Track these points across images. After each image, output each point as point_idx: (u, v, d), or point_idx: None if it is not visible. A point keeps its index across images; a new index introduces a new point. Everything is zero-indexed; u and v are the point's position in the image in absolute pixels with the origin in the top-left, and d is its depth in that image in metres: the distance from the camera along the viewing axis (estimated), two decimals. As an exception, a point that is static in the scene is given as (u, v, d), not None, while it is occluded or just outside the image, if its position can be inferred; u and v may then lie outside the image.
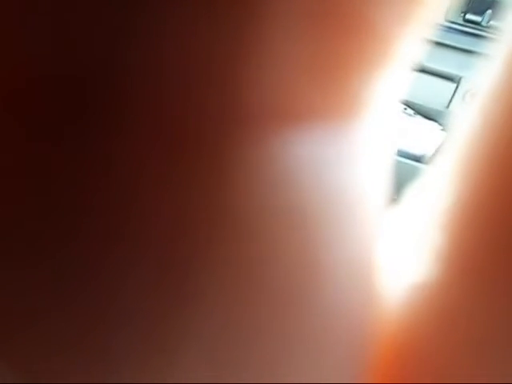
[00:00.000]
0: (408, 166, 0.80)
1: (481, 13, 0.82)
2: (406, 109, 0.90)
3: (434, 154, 0.86)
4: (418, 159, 0.83)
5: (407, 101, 0.89)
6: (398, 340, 0.10)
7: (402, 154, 0.82)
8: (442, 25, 0.83)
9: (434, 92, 0.88)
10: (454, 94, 0.87)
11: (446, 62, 0.85)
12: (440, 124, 0.88)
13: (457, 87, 0.87)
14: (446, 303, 0.10)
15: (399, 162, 0.79)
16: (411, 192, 0.11)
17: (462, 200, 0.10)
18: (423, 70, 0.86)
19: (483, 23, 0.82)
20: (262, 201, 0.08)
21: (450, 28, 0.83)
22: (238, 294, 0.09)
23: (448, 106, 0.89)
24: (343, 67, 0.08)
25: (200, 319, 0.08)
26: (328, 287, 0.09)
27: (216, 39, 0.08)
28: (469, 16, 0.83)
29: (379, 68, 0.09)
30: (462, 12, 0.83)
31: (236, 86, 0.08)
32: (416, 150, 0.84)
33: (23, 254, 0.08)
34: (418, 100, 0.88)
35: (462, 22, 0.83)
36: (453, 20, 0.84)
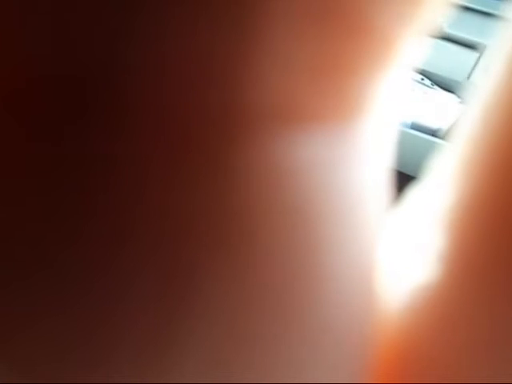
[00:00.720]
0: (423, 141, 0.75)
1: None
2: (423, 79, 0.85)
3: (451, 129, 0.82)
4: (434, 133, 0.78)
5: (424, 70, 0.83)
6: (400, 341, 0.10)
7: (418, 127, 0.77)
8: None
9: (454, 61, 0.82)
10: (476, 64, 0.82)
11: (469, 29, 0.79)
12: (459, 96, 0.83)
13: (480, 56, 0.81)
14: (447, 305, 0.10)
15: (414, 136, 0.74)
16: (413, 193, 0.11)
17: (463, 201, 0.09)
18: (442, 37, 0.80)
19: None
20: (263, 203, 0.08)
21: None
22: (241, 296, 0.09)
23: (469, 77, 0.83)
24: (344, 68, 0.08)
25: (203, 319, 0.08)
26: (330, 289, 0.09)
27: (216, 40, 0.08)
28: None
29: (380, 69, 0.09)
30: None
31: (236, 87, 0.08)
32: (433, 124, 0.79)
33: (25, 256, 0.08)
34: (437, 70, 0.83)
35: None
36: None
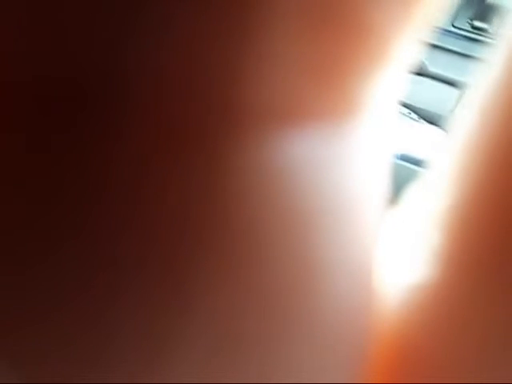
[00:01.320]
0: (410, 171, 0.80)
1: (488, 20, 0.82)
2: (410, 113, 0.90)
3: (436, 159, 0.85)
4: (421, 164, 0.83)
5: (412, 105, 0.89)
6: (397, 340, 0.10)
7: (406, 158, 0.82)
8: (448, 30, 0.83)
9: (438, 97, 0.87)
10: (458, 100, 0.87)
11: (451, 68, 0.85)
12: (445, 129, 0.88)
13: (461, 93, 0.86)
14: (444, 303, 0.10)
15: (402, 166, 0.79)
16: (411, 193, 0.11)
17: (461, 201, 0.10)
18: (428, 75, 0.86)
19: (491, 30, 0.82)
20: (260, 200, 0.08)
21: (457, 34, 0.83)
22: (237, 293, 0.08)
23: (452, 112, 0.88)
24: (341, 67, 0.08)
25: (198, 316, 0.08)
26: (327, 288, 0.09)
27: (215, 40, 0.08)
28: (477, 23, 0.83)
29: (377, 69, 0.09)
30: (469, 19, 0.83)
31: (234, 87, 0.08)
32: (420, 155, 0.84)
33: (25, 254, 0.08)
34: (423, 105, 0.88)
35: (468, 29, 0.83)
36: (459, 26, 0.84)
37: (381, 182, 0.10)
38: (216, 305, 0.08)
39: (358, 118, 0.09)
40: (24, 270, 0.08)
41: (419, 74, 0.86)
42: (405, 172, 0.77)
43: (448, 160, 0.10)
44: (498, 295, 0.09)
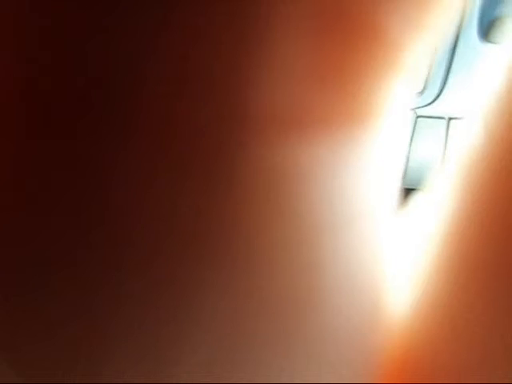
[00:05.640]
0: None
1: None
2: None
3: (439, 173, 0.83)
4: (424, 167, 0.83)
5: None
6: (405, 348, 0.10)
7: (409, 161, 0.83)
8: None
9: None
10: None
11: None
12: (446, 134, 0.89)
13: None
14: (450, 312, 0.10)
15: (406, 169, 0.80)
16: (415, 203, 0.11)
17: (465, 210, 0.10)
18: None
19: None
20: (267, 208, 0.09)
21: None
22: (244, 298, 0.09)
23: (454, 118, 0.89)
24: (353, 74, 0.08)
25: (205, 321, 0.09)
26: (333, 293, 0.09)
27: (225, 44, 0.08)
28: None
29: (390, 75, 0.09)
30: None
31: (245, 91, 0.08)
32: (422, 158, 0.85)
33: (22, 254, 0.08)
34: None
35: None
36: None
37: (391, 191, 0.10)
38: (222, 308, 0.09)
39: (371, 125, 0.09)
40: (24, 270, 0.08)
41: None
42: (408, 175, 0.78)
43: (451, 171, 0.10)
44: (502, 303, 0.09)
